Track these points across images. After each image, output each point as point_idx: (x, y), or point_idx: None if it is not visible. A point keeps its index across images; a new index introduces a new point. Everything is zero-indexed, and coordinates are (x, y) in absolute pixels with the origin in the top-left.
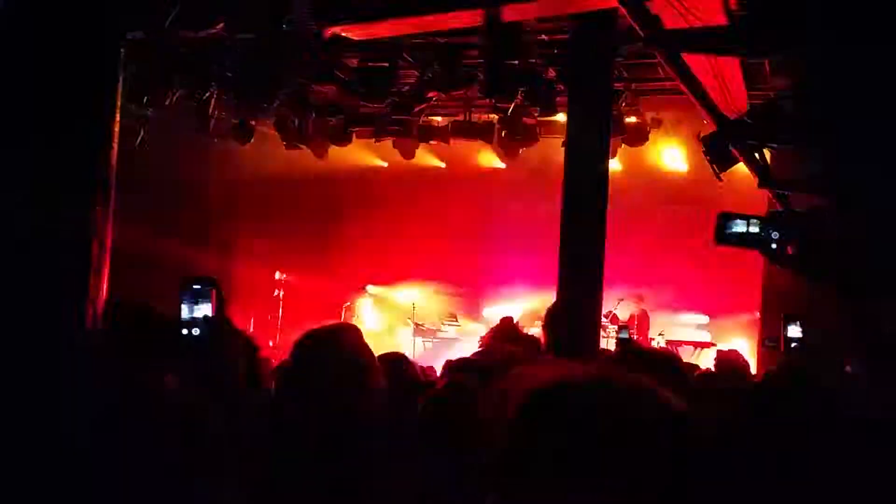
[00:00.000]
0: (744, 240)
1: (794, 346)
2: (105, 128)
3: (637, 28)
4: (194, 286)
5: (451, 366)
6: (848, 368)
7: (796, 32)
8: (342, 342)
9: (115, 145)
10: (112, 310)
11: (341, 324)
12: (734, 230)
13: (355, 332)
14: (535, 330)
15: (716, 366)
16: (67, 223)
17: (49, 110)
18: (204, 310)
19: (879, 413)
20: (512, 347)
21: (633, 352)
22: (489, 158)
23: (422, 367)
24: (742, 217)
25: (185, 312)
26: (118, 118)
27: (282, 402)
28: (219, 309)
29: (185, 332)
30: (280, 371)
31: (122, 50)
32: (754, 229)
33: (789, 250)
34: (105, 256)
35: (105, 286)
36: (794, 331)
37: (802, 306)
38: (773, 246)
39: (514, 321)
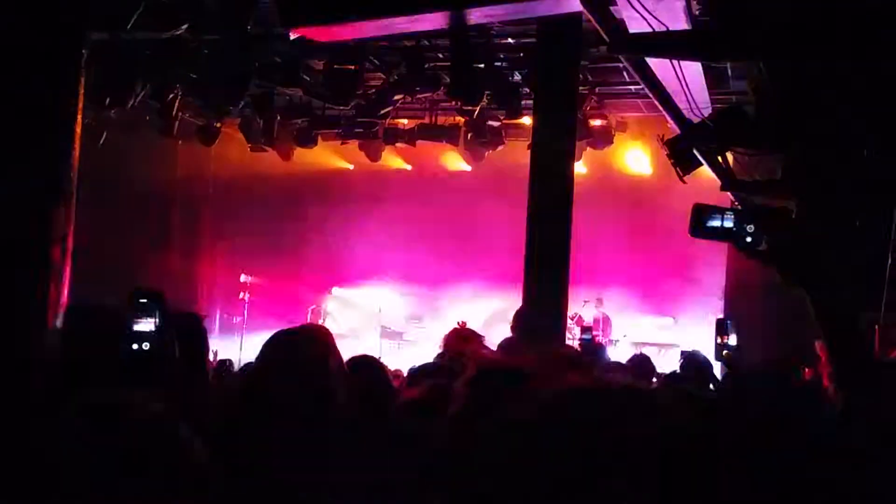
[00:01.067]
0: (718, 233)
1: (727, 354)
2: (67, 130)
3: (601, 33)
4: (140, 300)
5: (415, 373)
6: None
7: (756, 38)
8: (309, 343)
9: (77, 148)
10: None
11: (309, 324)
12: (709, 224)
13: (324, 333)
14: (503, 330)
15: (681, 367)
16: (28, 227)
17: (9, 112)
18: (151, 324)
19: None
20: (464, 346)
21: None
22: (455, 161)
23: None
24: (718, 210)
25: (133, 327)
26: (80, 120)
27: (246, 403)
28: (163, 322)
29: (134, 346)
30: (245, 372)
31: (83, 51)
32: (728, 223)
33: (762, 245)
34: (66, 260)
35: (66, 290)
36: (731, 338)
37: (764, 308)
38: (748, 240)
39: (464, 322)
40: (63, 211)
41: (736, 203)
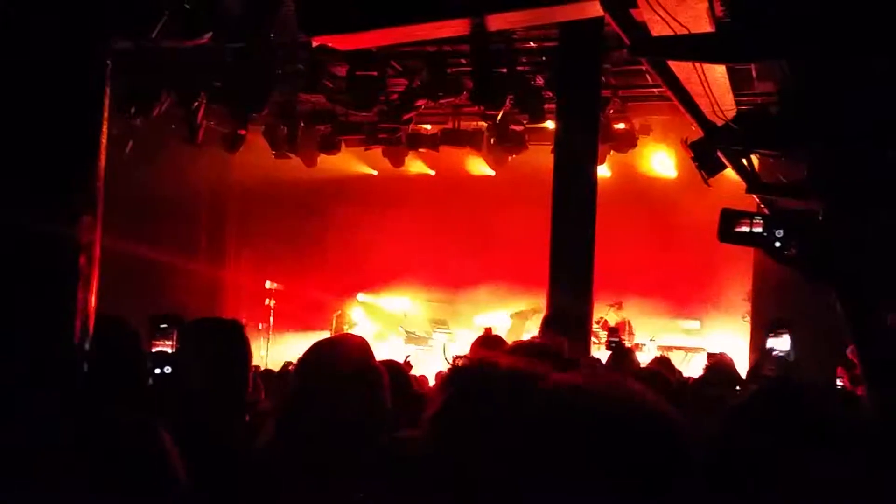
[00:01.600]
0: (747, 239)
1: (776, 355)
2: (92, 139)
3: (622, 36)
4: (161, 325)
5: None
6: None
7: (781, 39)
8: (349, 352)
9: (103, 157)
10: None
11: (347, 334)
12: (738, 229)
13: (361, 343)
14: (528, 335)
15: (706, 370)
16: (54, 236)
17: (35, 122)
18: (173, 346)
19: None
20: (487, 353)
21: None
22: (478, 166)
23: (414, 376)
24: (746, 215)
25: (156, 348)
26: (105, 129)
27: (288, 417)
28: (183, 345)
29: (157, 371)
30: (286, 385)
31: (108, 61)
32: (757, 229)
33: (792, 250)
34: (93, 269)
35: (94, 299)
36: (780, 342)
37: (793, 311)
38: (777, 245)
39: (489, 329)
40: (89, 219)
41: (762, 206)
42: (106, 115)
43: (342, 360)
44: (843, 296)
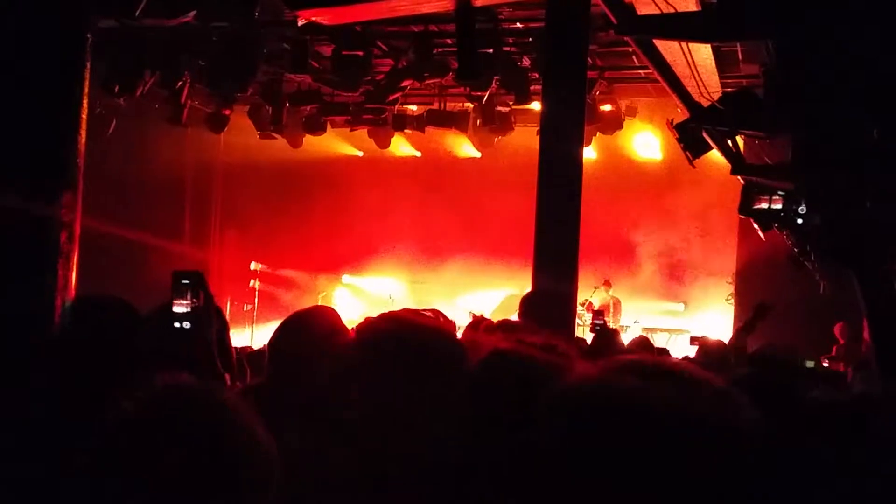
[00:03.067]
0: (767, 215)
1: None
2: (72, 117)
3: (609, 15)
4: (183, 280)
5: None
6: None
7: (766, 19)
8: (319, 323)
9: (83, 134)
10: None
11: (315, 307)
12: (757, 206)
13: (331, 313)
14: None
15: (698, 353)
16: (34, 213)
17: (13, 99)
18: (192, 303)
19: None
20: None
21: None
22: (464, 147)
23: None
24: (767, 190)
25: (175, 306)
26: (85, 107)
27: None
28: (206, 301)
29: (176, 324)
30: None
31: (88, 37)
32: (777, 205)
33: (812, 223)
34: (74, 247)
35: (74, 277)
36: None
37: (776, 293)
38: (799, 221)
39: (480, 315)
40: (69, 197)
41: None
42: (86, 92)
43: (311, 331)
44: (862, 276)
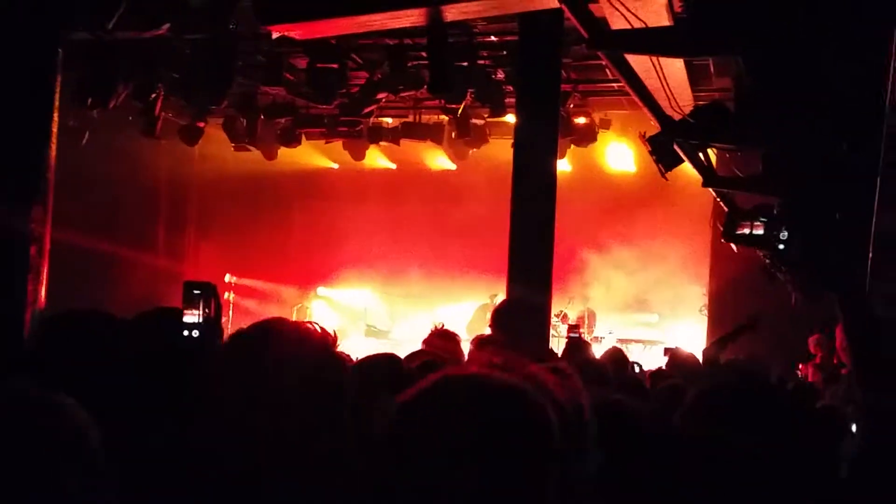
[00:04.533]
0: (749, 240)
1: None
2: (42, 129)
3: (580, 29)
4: (194, 291)
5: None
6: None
7: (737, 34)
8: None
9: (53, 147)
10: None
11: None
12: (739, 231)
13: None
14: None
15: (668, 364)
16: (3, 226)
17: None
18: (203, 313)
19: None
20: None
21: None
22: (440, 159)
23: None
24: (749, 216)
25: (186, 316)
26: (56, 119)
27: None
28: (217, 312)
29: (185, 333)
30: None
31: (59, 50)
32: (758, 231)
33: (795, 250)
34: (44, 261)
35: (43, 291)
36: None
37: (749, 306)
38: (781, 247)
39: (441, 325)
40: (39, 210)
41: (719, 200)
42: (56, 104)
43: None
44: (844, 298)
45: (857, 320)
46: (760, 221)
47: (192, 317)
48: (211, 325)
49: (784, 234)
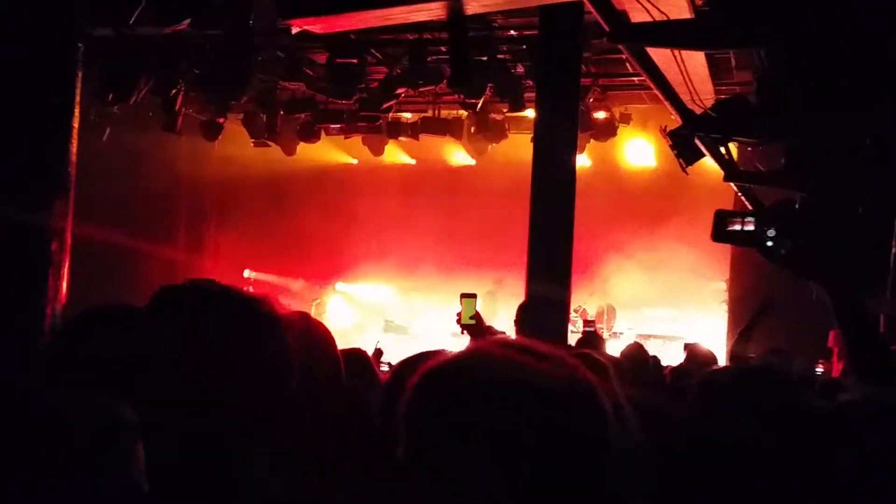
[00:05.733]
0: (740, 238)
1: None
2: (63, 125)
3: (601, 22)
4: None
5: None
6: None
7: (759, 27)
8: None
9: (74, 142)
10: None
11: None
12: (730, 228)
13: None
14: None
15: (686, 360)
16: (25, 222)
17: (5, 107)
18: None
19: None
20: None
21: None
22: (459, 154)
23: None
24: (738, 214)
25: None
26: (77, 115)
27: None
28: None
29: None
30: None
31: (80, 45)
32: (749, 227)
33: (784, 247)
34: (65, 256)
35: (65, 286)
36: None
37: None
38: (769, 244)
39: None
40: (61, 205)
41: (741, 194)
42: (77, 100)
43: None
44: (833, 291)
45: (846, 312)
46: (751, 218)
47: None
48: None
49: (772, 232)
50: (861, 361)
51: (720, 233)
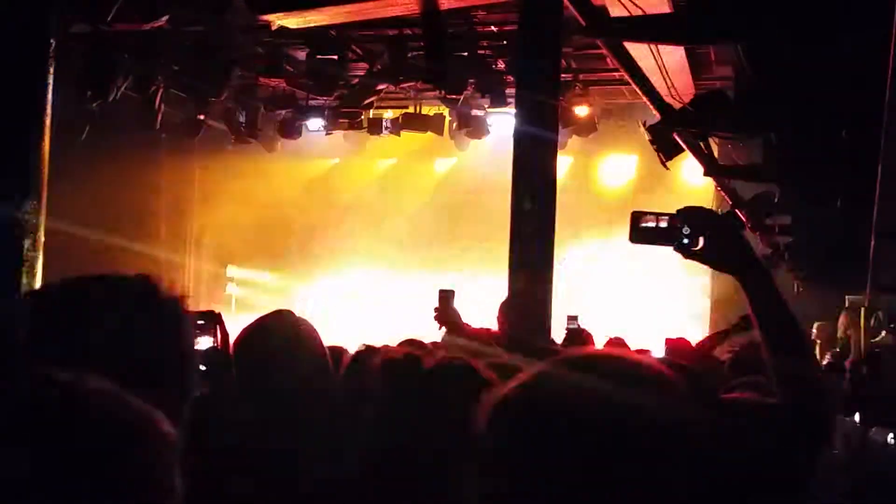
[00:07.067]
0: (656, 236)
1: None
2: (35, 122)
3: (578, 16)
4: (197, 321)
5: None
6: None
7: (737, 22)
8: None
9: (47, 139)
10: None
11: (276, 312)
12: (646, 224)
13: (290, 318)
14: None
15: (665, 353)
16: None
17: None
18: (206, 343)
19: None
20: None
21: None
22: (441, 150)
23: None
24: (652, 214)
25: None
26: (49, 111)
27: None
28: (224, 342)
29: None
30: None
31: (52, 42)
32: (664, 224)
33: (698, 244)
34: (38, 254)
35: (38, 284)
36: None
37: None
38: (685, 241)
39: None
40: (34, 203)
41: (720, 189)
42: (49, 97)
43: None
44: (746, 285)
45: (760, 297)
46: (665, 216)
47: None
48: (221, 358)
49: (686, 230)
50: (779, 340)
51: (636, 232)
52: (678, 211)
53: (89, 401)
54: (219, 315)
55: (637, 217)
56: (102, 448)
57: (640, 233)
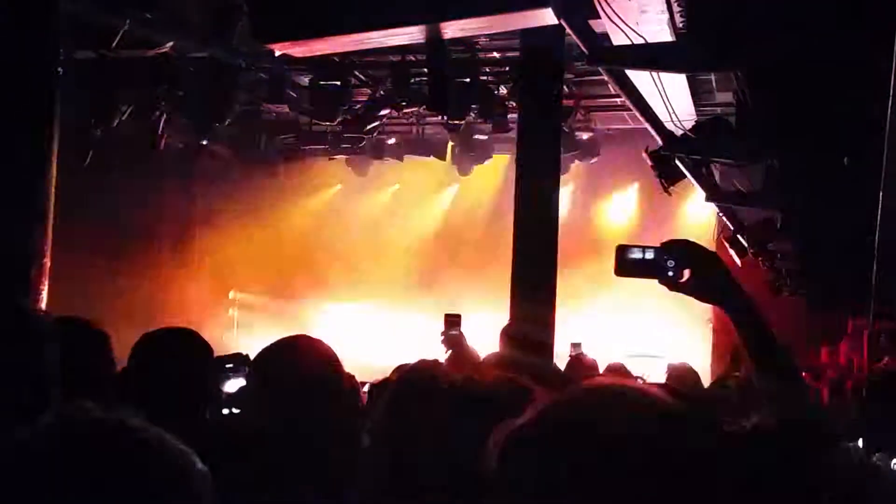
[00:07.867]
0: (641, 269)
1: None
2: (42, 149)
3: (580, 43)
4: (227, 365)
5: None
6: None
7: (738, 50)
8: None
9: (53, 167)
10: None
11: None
12: (632, 257)
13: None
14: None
15: (667, 379)
16: (4, 247)
17: None
18: (237, 385)
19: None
20: None
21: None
22: (443, 175)
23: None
24: (638, 247)
25: (223, 391)
26: (56, 138)
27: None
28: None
29: (224, 410)
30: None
31: (59, 70)
32: (650, 256)
33: (683, 276)
34: (43, 280)
35: (43, 310)
36: None
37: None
38: (670, 274)
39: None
40: (39, 230)
41: (721, 214)
42: (56, 124)
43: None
44: (728, 310)
45: (746, 324)
46: (651, 248)
47: (228, 389)
48: (249, 400)
49: (671, 262)
50: (765, 362)
51: (622, 267)
52: (663, 244)
53: (137, 439)
54: (247, 356)
55: (623, 250)
56: (158, 487)
57: (626, 265)
